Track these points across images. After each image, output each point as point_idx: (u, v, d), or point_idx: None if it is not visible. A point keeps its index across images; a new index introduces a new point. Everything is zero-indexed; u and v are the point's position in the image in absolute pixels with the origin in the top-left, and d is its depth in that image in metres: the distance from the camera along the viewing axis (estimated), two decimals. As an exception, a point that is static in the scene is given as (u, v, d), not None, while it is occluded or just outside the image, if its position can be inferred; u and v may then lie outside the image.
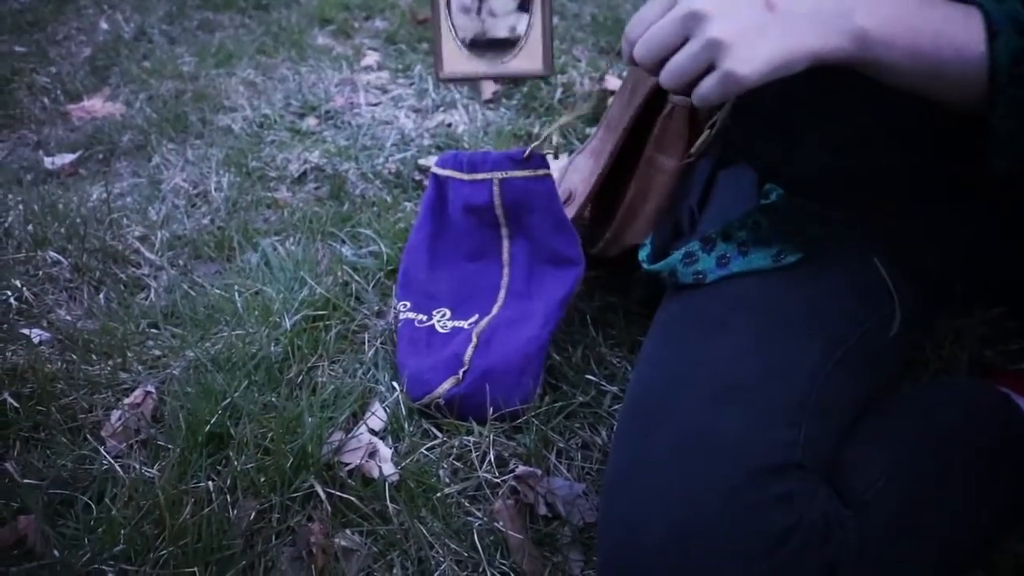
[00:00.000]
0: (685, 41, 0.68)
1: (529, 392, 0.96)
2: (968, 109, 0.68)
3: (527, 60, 0.79)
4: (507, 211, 1.01)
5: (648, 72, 0.72)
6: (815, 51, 0.66)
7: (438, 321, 1.03)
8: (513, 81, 0.77)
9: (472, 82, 0.76)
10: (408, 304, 1.05)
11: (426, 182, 1.47)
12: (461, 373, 0.95)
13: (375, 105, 1.80)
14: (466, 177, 1.02)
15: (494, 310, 1.01)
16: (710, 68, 0.67)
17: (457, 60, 0.77)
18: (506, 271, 1.03)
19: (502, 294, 1.02)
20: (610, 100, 1.18)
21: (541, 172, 1.00)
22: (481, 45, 0.78)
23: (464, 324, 1.01)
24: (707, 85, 0.67)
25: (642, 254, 0.91)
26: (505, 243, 1.03)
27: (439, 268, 1.06)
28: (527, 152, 0.99)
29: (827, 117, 0.81)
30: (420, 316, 1.04)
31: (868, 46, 0.66)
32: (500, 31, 0.78)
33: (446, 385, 0.94)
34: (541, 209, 1.00)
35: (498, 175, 1.00)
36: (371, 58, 2.02)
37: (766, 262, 0.82)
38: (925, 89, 0.68)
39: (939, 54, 0.66)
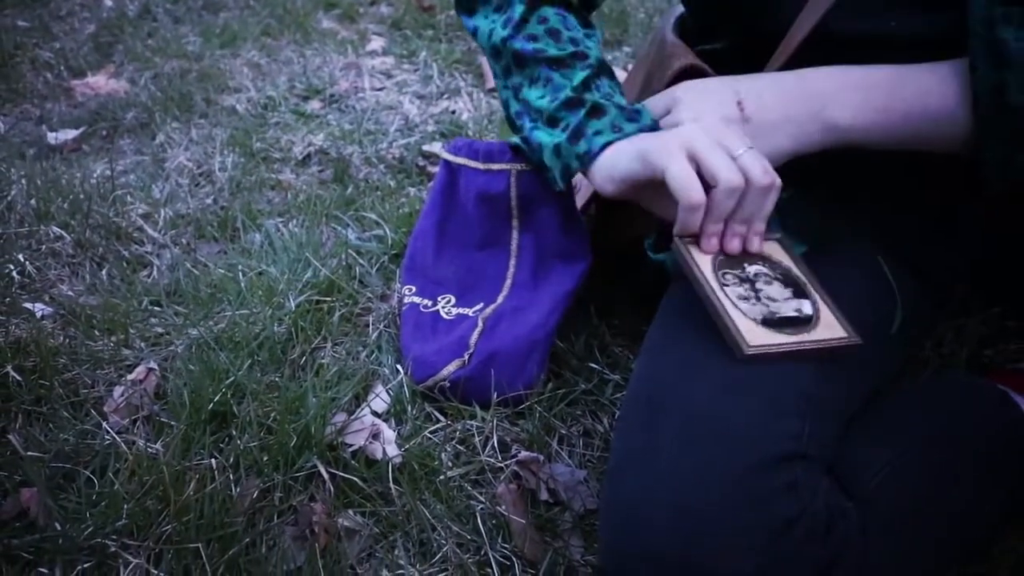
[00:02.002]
0: None
1: (533, 377, 0.96)
2: (954, 153, 0.73)
3: (828, 330, 0.74)
4: (521, 203, 1.01)
5: None
6: (790, 151, 0.74)
7: (443, 307, 1.03)
8: (829, 354, 0.73)
9: (781, 357, 0.70)
10: (414, 288, 1.06)
11: (430, 168, 1.47)
12: (467, 356, 0.95)
13: (379, 90, 1.80)
14: (481, 166, 1.01)
15: (499, 299, 1.02)
16: None
17: (756, 334, 0.72)
18: (513, 261, 1.03)
19: (508, 283, 1.03)
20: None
21: None
22: (774, 324, 0.73)
23: (469, 311, 1.01)
24: None
25: (648, 243, 0.91)
26: (515, 234, 1.03)
27: (446, 254, 1.06)
28: None
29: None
30: (425, 301, 1.04)
31: (841, 136, 0.74)
32: (787, 311, 0.75)
33: (451, 367, 0.95)
34: (554, 203, 1.00)
35: (517, 167, 0.99)
36: (376, 43, 2.02)
37: None
38: (903, 149, 0.74)
39: (912, 125, 0.72)
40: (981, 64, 0.67)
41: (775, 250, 0.79)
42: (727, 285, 0.75)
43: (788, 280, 0.77)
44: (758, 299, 0.75)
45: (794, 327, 0.73)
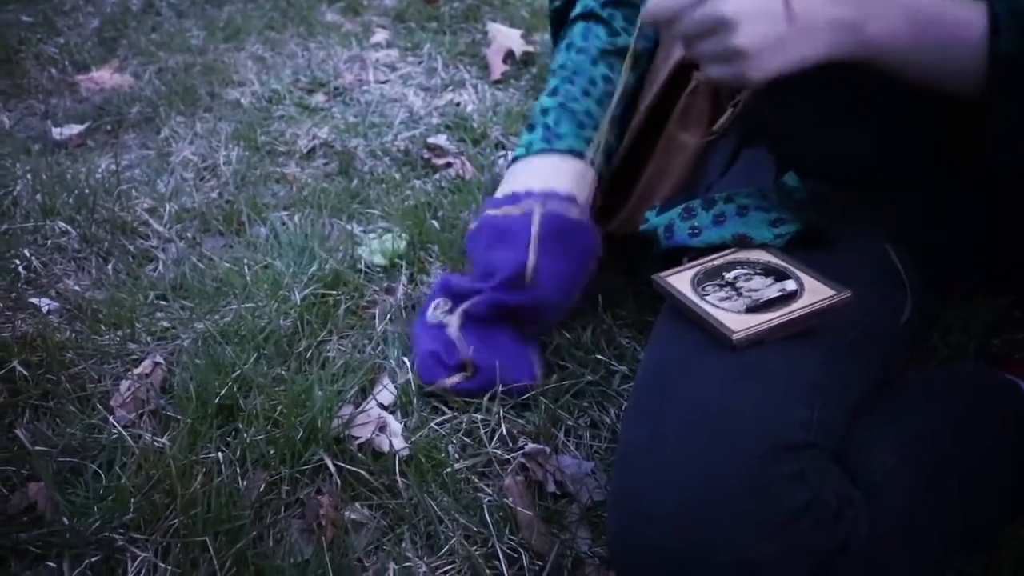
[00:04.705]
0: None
1: (535, 373, 0.97)
2: (980, 99, 0.70)
3: (814, 295, 0.75)
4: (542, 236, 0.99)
5: None
6: (824, 57, 0.70)
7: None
8: (822, 317, 0.75)
9: (774, 332, 0.73)
10: (449, 304, 1.02)
11: (435, 161, 1.47)
12: (471, 371, 0.95)
13: (384, 83, 1.79)
14: (505, 211, 1.00)
15: None
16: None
17: (742, 321, 0.73)
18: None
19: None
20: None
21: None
22: (759, 308, 0.74)
23: None
24: (719, 71, 0.72)
25: (650, 214, 0.91)
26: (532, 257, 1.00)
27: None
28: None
29: (844, 100, 0.81)
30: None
31: (875, 52, 0.70)
32: (771, 294, 0.76)
33: (455, 378, 0.95)
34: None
35: (541, 204, 0.99)
36: (380, 35, 2.01)
37: (763, 227, 0.82)
38: (931, 82, 0.71)
39: (943, 54, 0.69)
40: (1007, 25, 0.66)
41: (754, 254, 0.81)
42: (707, 295, 0.77)
43: (769, 270, 0.79)
44: (740, 295, 0.76)
45: (781, 304, 0.75)
